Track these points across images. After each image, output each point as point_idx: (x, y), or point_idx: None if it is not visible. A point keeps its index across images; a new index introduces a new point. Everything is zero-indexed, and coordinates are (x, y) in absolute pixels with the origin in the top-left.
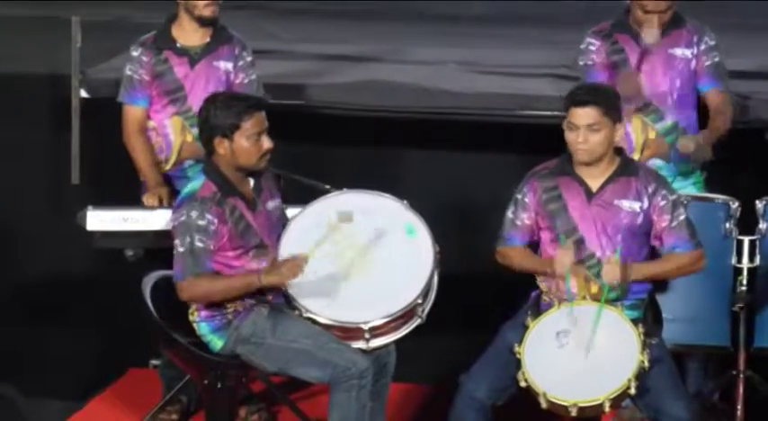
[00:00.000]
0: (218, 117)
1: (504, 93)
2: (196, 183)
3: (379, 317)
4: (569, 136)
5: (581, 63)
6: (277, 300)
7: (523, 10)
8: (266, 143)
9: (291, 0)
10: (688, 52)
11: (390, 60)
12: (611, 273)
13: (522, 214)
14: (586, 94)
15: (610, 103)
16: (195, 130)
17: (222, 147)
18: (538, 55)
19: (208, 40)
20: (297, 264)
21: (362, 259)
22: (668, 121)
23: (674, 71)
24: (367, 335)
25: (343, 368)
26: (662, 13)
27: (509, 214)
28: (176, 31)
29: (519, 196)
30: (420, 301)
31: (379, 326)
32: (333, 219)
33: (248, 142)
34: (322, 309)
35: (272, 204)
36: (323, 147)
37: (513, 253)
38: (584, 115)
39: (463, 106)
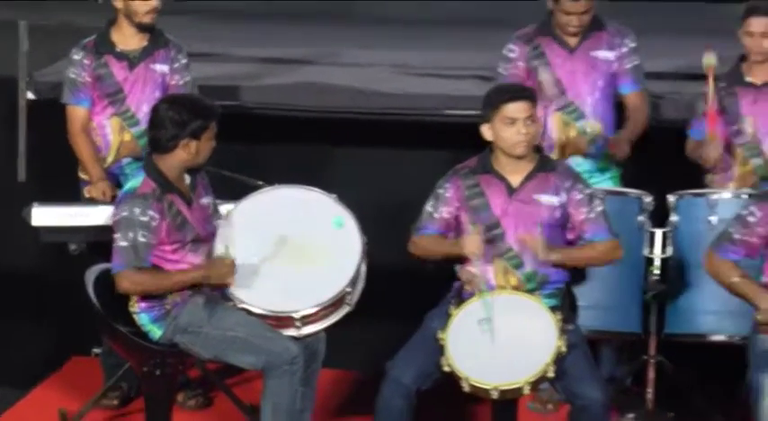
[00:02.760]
0: (186, 119)
1: (433, 93)
2: (136, 180)
3: (309, 306)
4: (507, 131)
5: (499, 70)
6: (213, 291)
7: (451, 13)
8: (213, 142)
9: (228, 0)
10: (609, 55)
11: (324, 63)
12: (537, 243)
13: (441, 208)
14: (518, 90)
15: (536, 99)
16: (133, 130)
17: (188, 147)
18: (464, 57)
19: (145, 43)
20: (229, 267)
21: (293, 251)
22: (588, 120)
23: (595, 72)
24: (298, 324)
25: (276, 355)
26: (581, 15)
27: (428, 207)
28: (116, 36)
29: (440, 191)
30: (348, 290)
31: (310, 315)
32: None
33: (210, 142)
34: (255, 300)
35: (205, 200)
36: (258, 145)
37: (426, 240)
38: (521, 109)
39: (394, 106)
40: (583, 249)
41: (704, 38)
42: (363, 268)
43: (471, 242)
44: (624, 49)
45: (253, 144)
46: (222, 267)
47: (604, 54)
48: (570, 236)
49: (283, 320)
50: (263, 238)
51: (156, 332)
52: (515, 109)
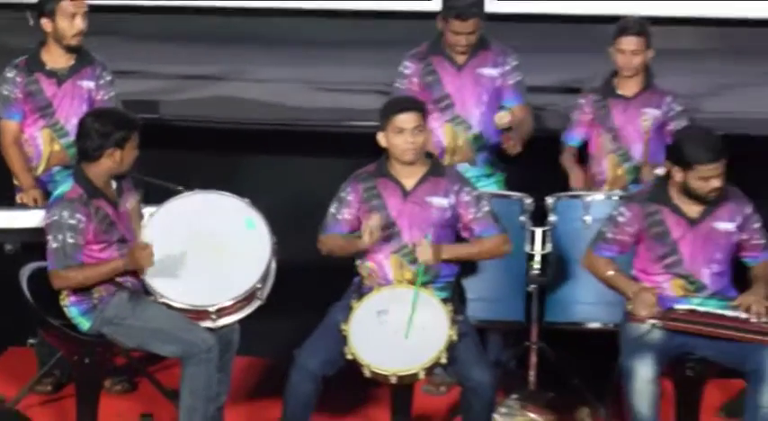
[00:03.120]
0: (111, 130)
1: (335, 107)
2: (65, 186)
3: (223, 300)
4: (397, 139)
5: (396, 84)
6: (136, 286)
7: (350, 34)
8: (136, 151)
9: (146, 22)
10: (494, 72)
11: (235, 79)
12: (424, 252)
13: (343, 210)
14: (408, 102)
15: (426, 111)
16: (63, 141)
17: (113, 156)
18: (364, 74)
19: (72, 62)
20: (148, 252)
21: (209, 250)
22: (475, 131)
23: (481, 88)
24: (214, 316)
25: (193, 344)
26: (468, 35)
27: (332, 210)
28: (45, 56)
29: (342, 195)
30: (259, 286)
31: (224, 308)
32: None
33: (133, 151)
34: (174, 294)
35: (131, 203)
36: (178, 154)
37: (332, 239)
38: (410, 119)
39: (300, 118)
40: (473, 245)
41: (578, 55)
42: (273, 265)
43: (370, 228)
44: (507, 67)
45: (172, 153)
46: (138, 252)
47: (489, 71)
48: (464, 234)
49: (200, 313)
50: (182, 238)
51: (84, 324)
52: (404, 119)
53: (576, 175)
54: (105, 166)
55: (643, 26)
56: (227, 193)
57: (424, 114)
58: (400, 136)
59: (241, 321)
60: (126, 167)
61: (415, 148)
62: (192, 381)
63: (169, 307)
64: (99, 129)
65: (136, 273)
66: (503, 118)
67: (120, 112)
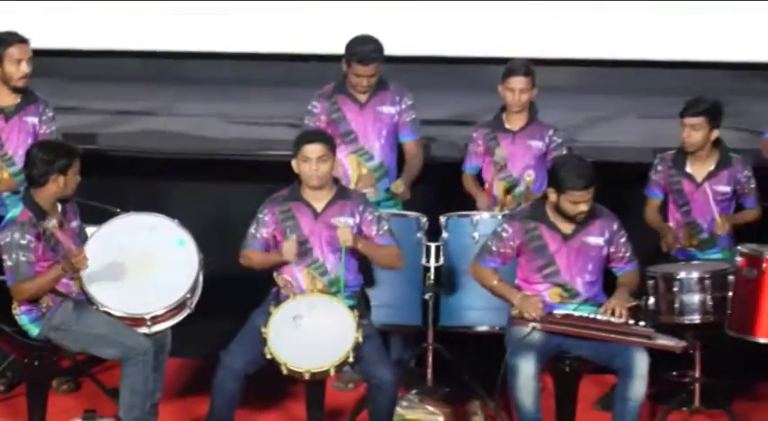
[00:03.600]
0: (54, 158)
1: (251, 138)
2: (16, 210)
3: (157, 309)
4: (304, 167)
5: (306, 121)
6: (80, 296)
7: (265, 74)
8: (78, 177)
9: (82, 64)
10: (392, 109)
11: (162, 114)
12: (345, 234)
13: (261, 229)
14: (314, 135)
15: (332, 143)
16: (11, 169)
17: (57, 181)
18: (274, 109)
19: (18, 100)
20: (82, 256)
21: (144, 264)
22: (376, 161)
23: (381, 124)
24: (149, 323)
25: (131, 348)
26: (369, 77)
27: (251, 230)
28: None
29: (260, 216)
30: (188, 296)
31: (158, 316)
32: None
33: (75, 177)
34: (114, 304)
35: (75, 223)
36: (114, 181)
37: (253, 254)
38: (315, 150)
39: (219, 149)
40: (378, 248)
41: (469, 92)
42: (201, 278)
43: (288, 248)
44: (404, 106)
45: (109, 180)
46: (74, 257)
47: (388, 109)
48: None
49: (137, 320)
50: (121, 253)
51: (33, 330)
52: (311, 150)
53: (481, 199)
54: (51, 191)
55: (529, 67)
56: (159, 215)
57: (329, 146)
58: (306, 164)
59: (173, 327)
60: (70, 191)
61: (318, 175)
62: (130, 381)
63: (109, 315)
64: (44, 158)
65: (81, 283)
66: (398, 187)
67: (62, 143)
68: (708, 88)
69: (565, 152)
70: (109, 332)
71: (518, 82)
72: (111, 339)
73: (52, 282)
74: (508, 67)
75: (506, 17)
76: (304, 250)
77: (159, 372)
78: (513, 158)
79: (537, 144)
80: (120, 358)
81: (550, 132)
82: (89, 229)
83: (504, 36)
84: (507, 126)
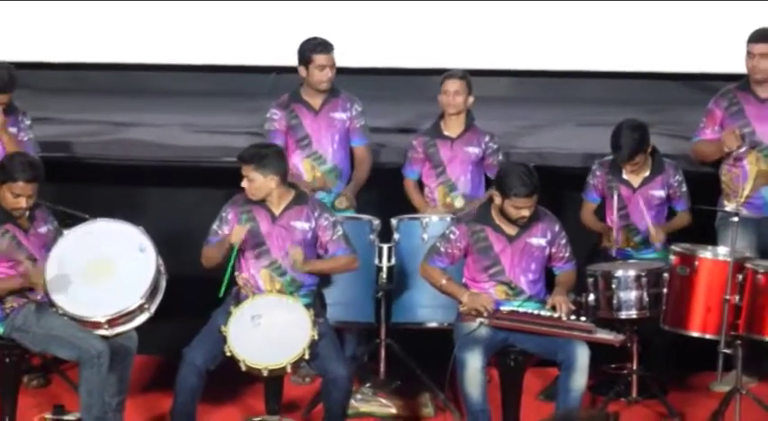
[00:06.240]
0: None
1: (213, 146)
2: None
3: (114, 312)
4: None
5: (266, 127)
6: (44, 299)
7: (227, 86)
8: (22, 203)
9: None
10: (343, 116)
11: (131, 124)
12: (296, 253)
13: (223, 226)
14: (251, 149)
15: (263, 161)
16: None
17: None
18: (235, 118)
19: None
20: (38, 274)
21: (105, 270)
22: (329, 165)
23: (333, 129)
24: (106, 326)
25: (85, 350)
26: (332, 67)
27: (214, 226)
28: None
29: (223, 214)
30: (143, 301)
31: (116, 319)
32: None
33: (8, 195)
34: (73, 307)
35: (44, 228)
36: (84, 187)
37: (209, 248)
38: (244, 170)
39: (185, 156)
40: (328, 261)
41: (413, 101)
42: (162, 283)
43: (237, 231)
44: (354, 112)
45: (80, 186)
46: (34, 277)
47: (340, 115)
48: (320, 251)
49: (95, 323)
50: (83, 259)
51: None
52: (243, 169)
53: (418, 203)
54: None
55: (465, 74)
56: (124, 221)
57: (256, 165)
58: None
59: (140, 327)
60: (7, 206)
61: (253, 193)
62: (87, 383)
63: (68, 317)
64: None
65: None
66: (342, 202)
67: (5, 162)
68: (642, 98)
69: (501, 158)
70: (66, 334)
71: (453, 84)
72: (67, 341)
73: (7, 291)
74: (446, 73)
75: (450, 31)
76: (261, 251)
77: (126, 372)
78: (451, 164)
79: (474, 150)
80: (77, 360)
81: (487, 139)
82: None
83: (448, 48)
84: (446, 133)
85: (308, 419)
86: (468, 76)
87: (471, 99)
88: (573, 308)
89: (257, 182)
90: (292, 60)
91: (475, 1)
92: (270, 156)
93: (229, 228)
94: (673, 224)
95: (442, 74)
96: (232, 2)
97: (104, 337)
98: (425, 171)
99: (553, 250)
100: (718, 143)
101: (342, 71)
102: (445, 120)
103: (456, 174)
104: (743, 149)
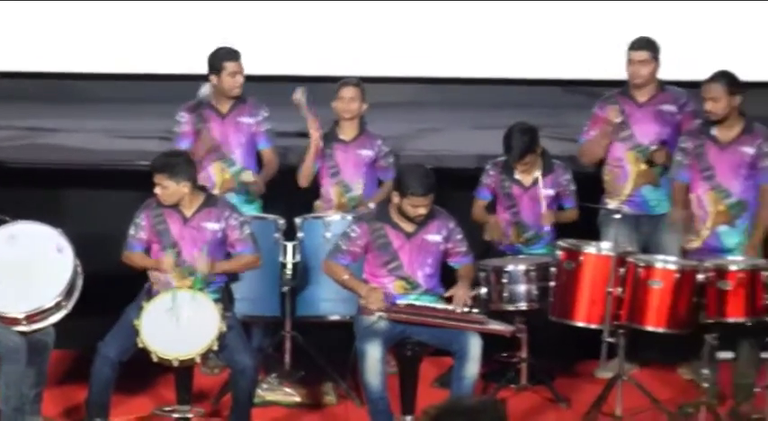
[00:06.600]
0: None
1: (129, 149)
2: None
3: (31, 309)
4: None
5: (175, 129)
6: None
7: (141, 93)
8: None
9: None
10: (251, 120)
11: (53, 130)
12: (202, 262)
13: (140, 232)
14: (162, 158)
15: (174, 169)
16: None
17: None
18: (150, 124)
19: None
20: None
21: (24, 269)
22: (237, 167)
23: (240, 133)
24: (24, 322)
25: (4, 345)
26: (242, 74)
27: (131, 231)
28: None
29: (138, 220)
30: (60, 298)
31: (34, 315)
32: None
33: None
34: None
35: None
36: (7, 191)
37: (133, 256)
38: (156, 179)
39: (103, 160)
40: (232, 262)
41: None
42: (79, 282)
43: (167, 262)
44: (260, 117)
45: (6, 190)
46: None
47: (247, 119)
48: (229, 249)
49: (13, 319)
50: (4, 258)
51: None
52: (156, 178)
53: (319, 207)
54: None
55: (359, 82)
56: (44, 224)
57: (170, 174)
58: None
59: (58, 323)
60: None
61: (165, 199)
62: (5, 376)
63: None
64: None
65: None
66: (249, 176)
67: None
68: (532, 103)
69: (392, 160)
70: None
71: (348, 91)
72: None
73: None
74: (341, 81)
75: (352, 38)
76: (174, 252)
77: (43, 365)
78: (345, 166)
79: (367, 153)
80: None
81: (379, 142)
82: None
83: (349, 56)
84: (341, 137)
85: (218, 408)
86: (362, 83)
87: (365, 105)
88: (470, 301)
89: (170, 189)
90: (203, 68)
91: (374, 9)
92: (180, 164)
93: (145, 232)
94: (562, 214)
95: (337, 81)
96: (146, 13)
97: (22, 333)
98: (322, 171)
99: (449, 246)
100: (599, 133)
101: (250, 78)
102: (340, 125)
103: (350, 176)
104: (619, 120)
